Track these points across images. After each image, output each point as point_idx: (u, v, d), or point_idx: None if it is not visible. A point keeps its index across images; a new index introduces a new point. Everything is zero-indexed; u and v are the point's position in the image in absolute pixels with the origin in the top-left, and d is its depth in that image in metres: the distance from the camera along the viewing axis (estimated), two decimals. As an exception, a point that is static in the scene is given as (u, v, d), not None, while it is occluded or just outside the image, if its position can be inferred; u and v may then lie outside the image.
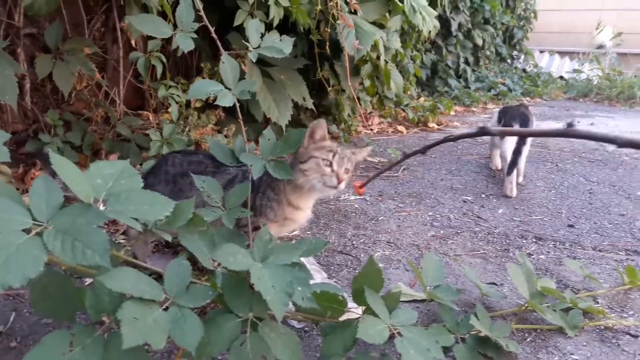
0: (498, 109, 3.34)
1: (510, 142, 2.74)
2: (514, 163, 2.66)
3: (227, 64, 1.38)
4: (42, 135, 2.35)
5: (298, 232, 2.08)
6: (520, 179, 2.92)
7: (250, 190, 1.51)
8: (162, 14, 2.22)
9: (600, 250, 2.02)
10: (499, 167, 3.17)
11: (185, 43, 1.35)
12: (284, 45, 1.44)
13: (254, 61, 1.44)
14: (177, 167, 1.64)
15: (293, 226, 1.68)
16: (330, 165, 1.49)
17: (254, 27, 1.44)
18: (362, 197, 2.60)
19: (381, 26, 3.69)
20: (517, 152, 2.67)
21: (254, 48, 1.43)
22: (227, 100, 1.33)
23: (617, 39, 8.63)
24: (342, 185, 1.51)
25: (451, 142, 1.48)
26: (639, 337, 1.42)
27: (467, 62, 6.80)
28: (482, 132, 1.34)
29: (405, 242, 2.05)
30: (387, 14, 3.62)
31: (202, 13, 1.42)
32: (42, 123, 2.48)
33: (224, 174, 1.59)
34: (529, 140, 2.84)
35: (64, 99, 2.69)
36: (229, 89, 1.38)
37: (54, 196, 1.02)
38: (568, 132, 1.13)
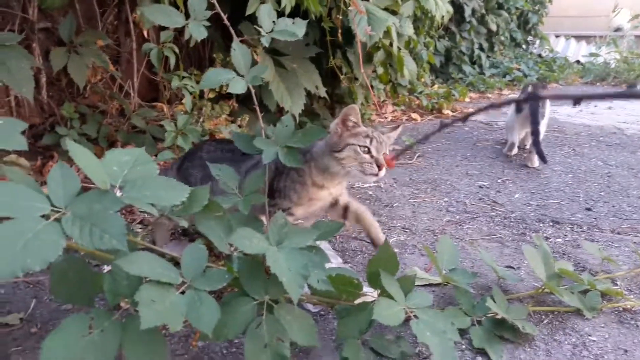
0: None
1: (520, 121, 3.08)
2: (536, 134, 2.86)
3: (238, 51, 1.38)
4: (58, 128, 2.38)
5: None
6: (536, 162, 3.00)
7: (275, 174, 1.52)
8: (174, 5, 2.23)
9: (618, 233, 1.99)
10: (515, 150, 3.25)
11: (198, 32, 1.36)
12: (296, 28, 1.44)
13: (267, 46, 1.44)
14: (211, 154, 1.66)
15: (319, 204, 1.61)
16: (369, 152, 1.45)
17: (266, 12, 1.43)
18: (378, 184, 2.60)
19: (393, 12, 3.65)
20: (535, 132, 2.87)
21: (267, 33, 1.43)
22: (239, 86, 1.33)
23: (634, 20, 8.44)
24: (383, 172, 1.46)
25: (486, 110, 1.38)
26: (659, 318, 1.40)
27: (481, 48, 6.72)
28: (532, 97, 1.23)
29: (420, 228, 2.04)
30: (399, 0, 3.59)
31: (214, 1, 1.41)
32: (58, 116, 2.51)
33: (254, 160, 1.59)
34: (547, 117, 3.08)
35: (79, 92, 2.71)
36: (242, 77, 1.38)
37: (71, 183, 1.04)
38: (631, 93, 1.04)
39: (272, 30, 1.45)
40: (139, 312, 0.93)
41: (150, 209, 1.06)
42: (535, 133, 2.86)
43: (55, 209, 0.96)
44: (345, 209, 1.65)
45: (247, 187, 1.36)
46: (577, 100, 1.10)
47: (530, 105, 2.89)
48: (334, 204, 1.64)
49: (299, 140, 1.38)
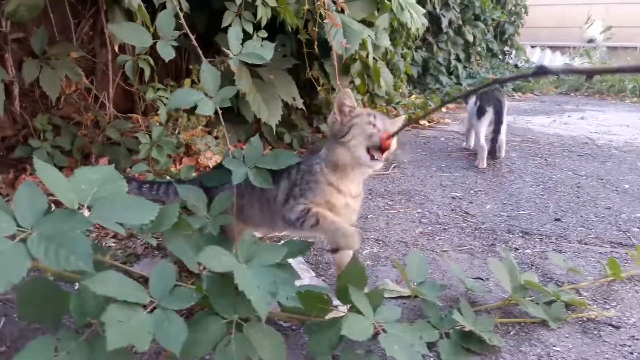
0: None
1: (484, 124, 3.24)
2: (494, 141, 3.20)
3: (207, 73, 1.39)
4: (31, 140, 2.36)
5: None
6: (503, 154, 3.33)
7: (289, 189, 1.48)
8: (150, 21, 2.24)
9: (585, 243, 2.04)
10: (472, 146, 3.62)
11: (166, 51, 1.37)
12: (264, 52, 1.46)
13: (234, 68, 1.45)
14: None
15: (339, 216, 1.47)
16: (375, 125, 1.40)
17: (234, 34, 1.45)
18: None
19: (370, 24, 3.70)
20: (496, 132, 3.19)
21: (234, 55, 1.44)
22: (208, 108, 1.35)
23: (606, 32, 8.67)
24: (392, 143, 1.40)
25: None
26: (621, 327, 1.44)
27: (458, 59, 6.82)
28: (541, 71, 1.23)
29: (393, 239, 2.07)
30: (375, 12, 3.64)
31: (182, 21, 1.42)
32: (31, 128, 2.49)
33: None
34: (505, 120, 3.27)
35: (53, 104, 2.69)
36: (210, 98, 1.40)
37: (38, 202, 1.04)
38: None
39: (240, 53, 1.46)
40: (105, 332, 0.93)
41: (118, 229, 1.06)
42: (496, 131, 3.18)
43: (21, 229, 0.97)
44: None
45: (214, 208, 1.38)
46: (589, 75, 1.11)
47: (494, 106, 3.19)
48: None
49: (268, 161, 1.41)
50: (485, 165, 3.20)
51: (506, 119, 3.29)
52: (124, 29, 1.38)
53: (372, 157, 1.42)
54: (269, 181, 1.41)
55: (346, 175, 1.46)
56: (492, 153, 3.22)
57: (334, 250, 1.55)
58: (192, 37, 1.47)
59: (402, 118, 1.58)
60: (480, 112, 3.23)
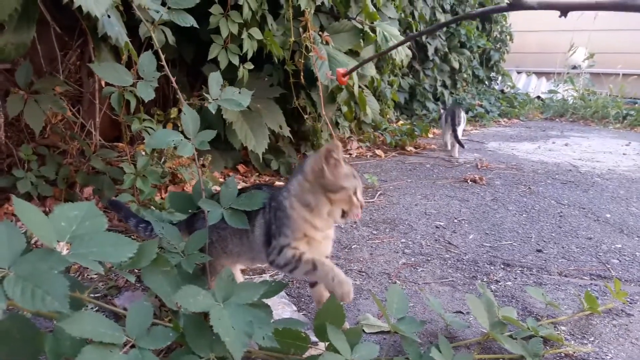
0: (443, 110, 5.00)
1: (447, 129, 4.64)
2: (456, 137, 4.44)
3: (187, 115, 1.42)
4: (15, 170, 2.36)
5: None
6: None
7: (267, 227, 1.49)
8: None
9: (565, 276, 2.06)
10: (449, 147, 4.72)
11: (145, 92, 1.39)
12: (242, 98, 1.49)
13: (213, 112, 1.47)
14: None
15: (319, 249, 1.50)
16: (355, 194, 1.44)
17: (214, 80, 1.48)
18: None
19: (356, 54, 3.78)
20: (454, 131, 4.43)
21: (213, 100, 1.47)
22: (187, 150, 1.37)
23: (589, 59, 8.86)
24: (360, 214, 1.46)
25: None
26: (597, 363, 1.46)
27: (444, 85, 6.93)
28: (516, 4, 1.20)
29: (376, 271, 2.08)
30: (361, 43, 3.71)
31: (164, 63, 1.45)
32: (16, 157, 2.49)
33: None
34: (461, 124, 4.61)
35: (39, 132, 2.70)
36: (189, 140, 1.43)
37: (16, 241, 1.04)
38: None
39: (218, 98, 1.49)
40: (79, 375, 0.93)
41: (96, 267, 1.07)
42: (454, 130, 4.42)
43: (-2, 269, 0.97)
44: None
45: (189, 246, 1.39)
46: (564, 11, 1.13)
47: (450, 113, 4.52)
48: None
49: (242, 203, 1.44)
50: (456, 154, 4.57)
51: (463, 123, 4.68)
52: (105, 69, 1.41)
53: (343, 216, 1.46)
54: (245, 222, 1.44)
55: (319, 216, 1.46)
56: (459, 144, 4.50)
57: (312, 285, 1.56)
58: (173, 80, 1.48)
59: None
60: (446, 119, 4.65)
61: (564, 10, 1.10)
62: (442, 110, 5.01)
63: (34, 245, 1.98)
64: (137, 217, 1.78)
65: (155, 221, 1.57)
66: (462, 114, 4.67)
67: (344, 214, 1.45)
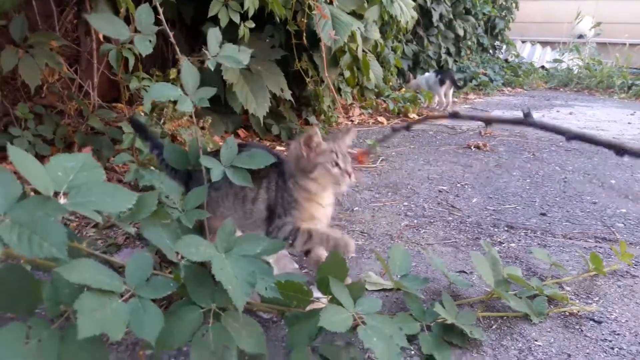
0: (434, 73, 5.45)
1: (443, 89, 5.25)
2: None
3: (186, 71, 1.37)
4: (12, 129, 2.31)
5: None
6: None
7: (275, 199, 1.54)
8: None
9: (570, 238, 2.04)
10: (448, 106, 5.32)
11: (143, 47, 1.34)
12: (242, 56, 1.44)
13: (212, 69, 1.42)
14: None
15: (322, 221, 1.59)
16: (337, 165, 1.49)
17: (213, 36, 1.42)
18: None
19: (360, 16, 3.68)
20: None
21: (212, 56, 1.42)
22: (186, 106, 1.33)
23: (596, 28, 8.70)
24: (353, 179, 1.53)
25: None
26: (602, 322, 1.44)
27: (448, 53, 6.82)
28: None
29: (378, 232, 2.06)
30: (365, 4, 3.62)
31: (162, 18, 1.39)
32: (12, 116, 2.44)
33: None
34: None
35: (35, 92, 2.65)
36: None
37: (11, 188, 1.01)
38: (525, 122, 1.20)
39: (217, 55, 1.44)
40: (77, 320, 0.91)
41: (94, 216, 1.04)
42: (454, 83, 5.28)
43: (-7, 215, 0.94)
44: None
45: (188, 202, 1.36)
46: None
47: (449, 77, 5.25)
48: None
49: (244, 161, 1.41)
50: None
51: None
52: (100, 20, 1.35)
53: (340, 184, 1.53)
54: (248, 179, 1.42)
55: (319, 194, 1.54)
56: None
57: (307, 253, 1.59)
58: (171, 35, 1.42)
59: (352, 132, 1.68)
60: (442, 82, 5.19)
61: None
62: (431, 75, 5.43)
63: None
64: (154, 141, 1.78)
65: (154, 177, 1.54)
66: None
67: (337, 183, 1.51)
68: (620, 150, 1.04)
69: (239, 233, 1.64)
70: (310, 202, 1.53)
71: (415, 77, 5.75)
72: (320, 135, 1.53)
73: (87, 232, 1.90)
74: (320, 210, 1.56)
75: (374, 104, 4.85)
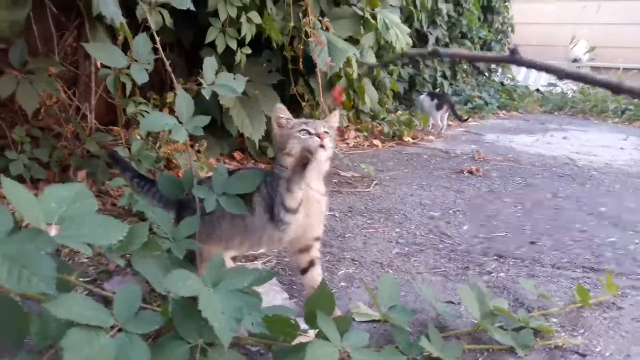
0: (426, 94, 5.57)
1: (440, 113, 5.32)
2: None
3: (181, 99, 1.40)
4: (8, 152, 2.34)
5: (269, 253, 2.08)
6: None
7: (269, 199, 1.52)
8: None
9: (558, 268, 2.06)
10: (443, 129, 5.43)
11: (140, 75, 1.38)
12: (237, 84, 1.48)
13: (207, 98, 1.46)
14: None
15: (312, 208, 1.57)
16: (308, 132, 1.50)
17: (209, 64, 1.46)
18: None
19: (356, 41, 3.75)
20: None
21: (207, 85, 1.46)
22: (180, 135, 1.36)
23: (590, 53, 8.83)
24: (327, 142, 1.50)
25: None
26: (587, 356, 1.46)
27: (444, 76, 6.90)
28: (434, 54, 1.30)
29: (369, 260, 2.08)
30: (361, 30, 3.68)
31: (159, 46, 1.43)
32: (9, 139, 2.47)
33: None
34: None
35: (34, 114, 2.67)
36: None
37: (3, 221, 1.03)
38: (511, 59, 1.11)
39: (213, 83, 1.47)
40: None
41: (85, 249, 1.06)
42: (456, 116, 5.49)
43: (-17, 248, 0.96)
44: (311, 262, 1.64)
45: (180, 231, 1.38)
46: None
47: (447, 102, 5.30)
48: (305, 250, 1.63)
49: (235, 187, 1.43)
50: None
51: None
52: (99, 50, 1.39)
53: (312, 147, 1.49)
54: (241, 206, 1.44)
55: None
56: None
57: (304, 271, 1.59)
58: (167, 63, 1.46)
59: (336, 113, 1.69)
60: (439, 107, 5.25)
61: None
62: (426, 97, 5.44)
63: (24, 227, 1.97)
64: (134, 171, 1.81)
65: (146, 207, 1.56)
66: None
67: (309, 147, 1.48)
68: (616, 88, 0.96)
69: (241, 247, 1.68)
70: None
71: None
72: (287, 110, 1.57)
73: (79, 258, 1.91)
74: (310, 191, 1.53)
75: (369, 126, 4.89)
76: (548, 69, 1.05)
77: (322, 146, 1.50)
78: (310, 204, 1.54)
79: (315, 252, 1.65)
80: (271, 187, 1.53)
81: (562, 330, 1.59)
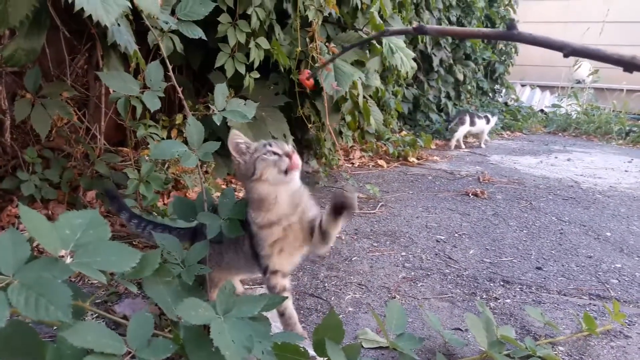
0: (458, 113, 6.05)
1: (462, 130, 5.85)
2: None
3: (192, 126, 1.43)
4: (19, 172, 2.37)
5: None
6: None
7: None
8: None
9: (565, 295, 2.07)
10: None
11: (152, 102, 1.41)
12: (247, 110, 1.51)
13: (218, 124, 1.49)
14: None
15: (289, 246, 1.50)
16: (274, 153, 1.44)
17: (219, 91, 1.50)
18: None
19: (362, 64, 3.79)
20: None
21: (219, 111, 1.49)
22: (190, 161, 1.39)
23: (594, 75, 8.88)
24: (296, 159, 1.44)
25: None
26: (594, 386, 1.46)
27: (448, 97, 6.95)
28: (419, 31, 1.21)
29: (376, 285, 2.09)
30: (367, 54, 3.74)
31: (170, 73, 1.47)
32: (20, 159, 2.50)
33: None
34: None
35: (45, 136, 2.71)
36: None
37: (20, 249, 1.06)
38: (509, 35, 1.06)
39: (224, 109, 1.50)
40: (79, 386, 0.94)
41: (99, 276, 1.08)
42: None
43: (2, 276, 0.98)
44: (320, 227, 1.48)
45: (190, 257, 1.41)
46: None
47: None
48: (310, 231, 1.51)
49: (238, 212, 1.45)
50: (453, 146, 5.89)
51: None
52: (112, 78, 1.43)
53: (286, 173, 1.44)
54: (239, 230, 1.46)
55: (272, 204, 1.46)
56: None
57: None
58: (179, 90, 1.50)
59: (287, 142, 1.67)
60: (461, 122, 5.76)
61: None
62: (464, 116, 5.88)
63: (35, 249, 1.99)
64: (131, 212, 1.82)
65: (157, 232, 1.59)
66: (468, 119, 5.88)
67: (285, 173, 1.43)
68: (629, 65, 0.87)
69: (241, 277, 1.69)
70: (264, 229, 1.45)
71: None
72: (242, 135, 1.49)
73: (90, 280, 1.93)
74: (279, 229, 1.46)
75: (374, 147, 4.93)
76: (552, 45, 0.96)
77: (291, 168, 1.44)
78: (289, 233, 1.48)
79: (312, 214, 1.53)
80: (247, 228, 1.49)
81: (569, 359, 1.60)
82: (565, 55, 0.94)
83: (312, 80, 2.00)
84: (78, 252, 1.12)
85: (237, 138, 1.48)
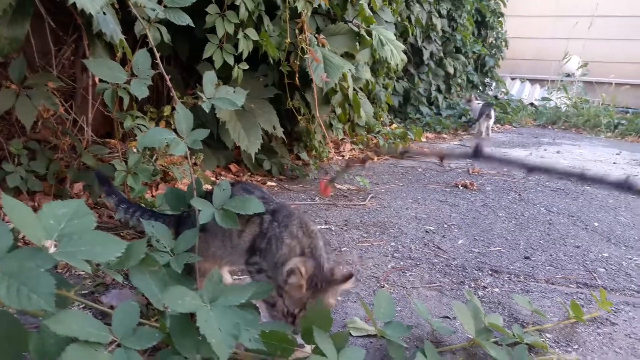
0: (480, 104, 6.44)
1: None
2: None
3: (181, 114, 1.42)
4: (5, 164, 2.34)
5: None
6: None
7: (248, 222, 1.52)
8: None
9: (552, 283, 2.08)
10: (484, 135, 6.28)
11: (139, 90, 1.39)
12: (236, 97, 1.49)
13: (207, 111, 1.48)
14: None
15: None
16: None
17: (208, 79, 1.48)
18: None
19: (352, 56, 3.78)
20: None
21: (207, 99, 1.47)
22: (179, 149, 1.37)
23: (583, 68, 8.92)
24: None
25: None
26: (581, 372, 1.47)
27: (438, 90, 6.96)
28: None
29: (365, 274, 2.09)
30: (357, 46, 3.72)
31: (158, 61, 1.45)
32: (6, 151, 2.47)
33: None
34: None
35: (31, 127, 2.68)
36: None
37: (3, 238, 1.04)
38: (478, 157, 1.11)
39: (212, 97, 1.49)
40: (63, 374, 0.93)
41: (84, 266, 1.06)
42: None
43: (-18, 265, 0.97)
44: None
45: (178, 245, 1.39)
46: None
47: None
48: None
49: (236, 206, 1.44)
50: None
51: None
52: (98, 66, 1.41)
53: None
54: (236, 221, 1.44)
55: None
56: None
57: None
58: (167, 78, 1.48)
59: None
60: (481, 114, 6.16)
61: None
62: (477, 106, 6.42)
63: (21, 241, 1.97)
64: (120, 196, 1.80)
65: (145, 219, 1.57)
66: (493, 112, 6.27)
67: None
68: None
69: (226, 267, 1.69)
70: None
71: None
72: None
73: (76, 271, 1.91)
74: None
75: (364, 139, 4.93)
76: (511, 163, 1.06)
77: None
78: None
79: None
80: (268, 240, 1.48)
81: (556, 346, 1.61)
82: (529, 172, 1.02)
83: (330, 189, 2.00)
84: (62, 242, 1.10)
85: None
